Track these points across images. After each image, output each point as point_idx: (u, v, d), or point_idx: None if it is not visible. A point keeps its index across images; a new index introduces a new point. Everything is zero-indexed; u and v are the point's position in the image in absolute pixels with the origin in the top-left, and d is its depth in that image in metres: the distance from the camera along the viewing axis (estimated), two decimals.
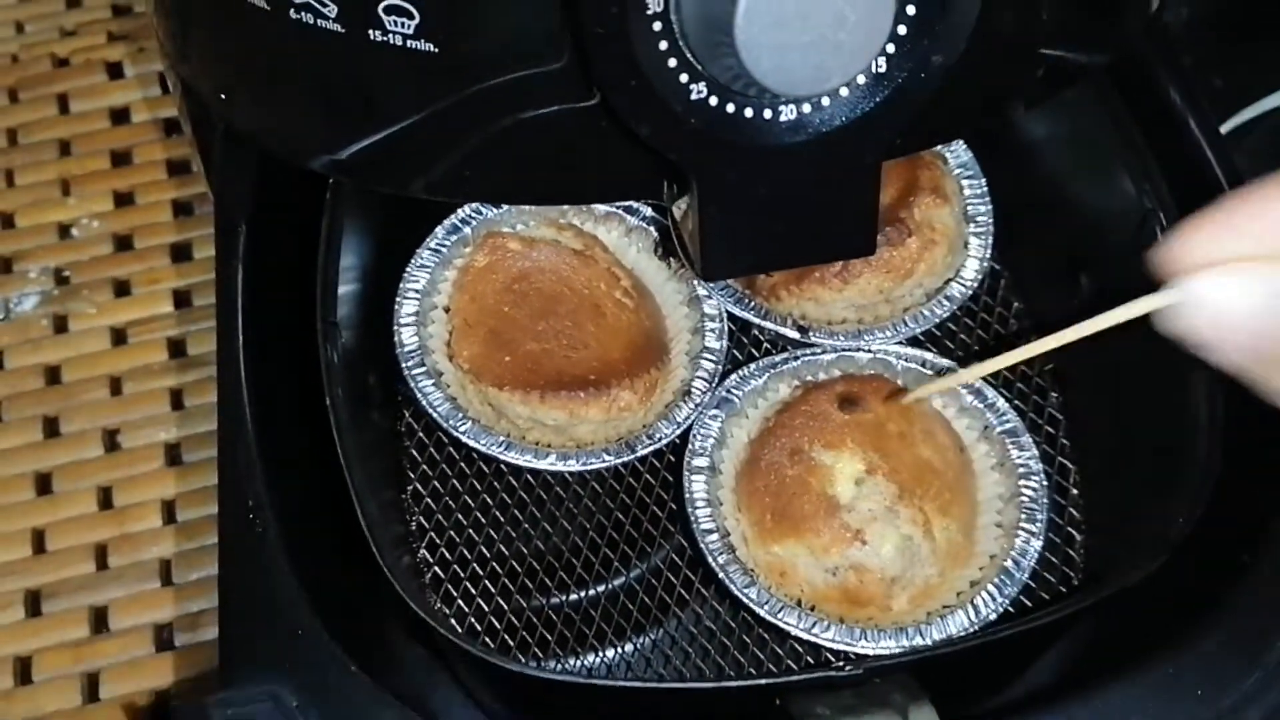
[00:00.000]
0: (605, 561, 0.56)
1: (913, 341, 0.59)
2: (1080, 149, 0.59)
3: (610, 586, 0.55)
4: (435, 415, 0.55)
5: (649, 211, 0.61)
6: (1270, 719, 0.45)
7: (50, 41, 0.79)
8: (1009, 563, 0.52)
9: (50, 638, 0.59)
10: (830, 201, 0.46)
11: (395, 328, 0.56)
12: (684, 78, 0.41)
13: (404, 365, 0.56)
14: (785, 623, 0.51)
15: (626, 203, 0.60)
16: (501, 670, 0.46)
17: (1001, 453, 0.56)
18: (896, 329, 0.59)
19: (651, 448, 0.55)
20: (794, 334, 0.59)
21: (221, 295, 0.53)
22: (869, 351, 0.58)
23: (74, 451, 0.64)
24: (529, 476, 0.57)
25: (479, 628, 0.54)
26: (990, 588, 0.52)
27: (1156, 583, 0.47)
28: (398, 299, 0.57)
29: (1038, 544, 0.53)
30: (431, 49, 0.42)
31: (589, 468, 0.55)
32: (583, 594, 0.55)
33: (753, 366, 0.58)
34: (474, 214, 0.59)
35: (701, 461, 0.55)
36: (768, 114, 0.42)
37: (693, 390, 0.57)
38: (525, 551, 0.56)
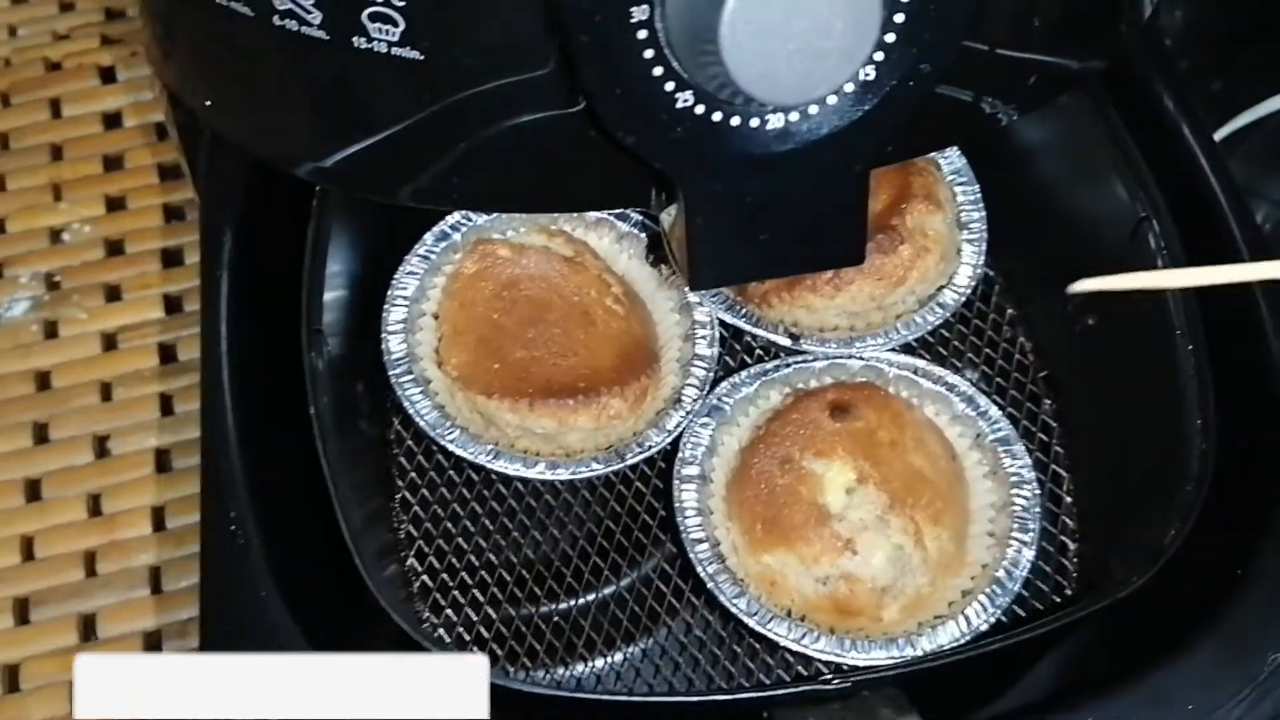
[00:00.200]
0: (595, 570, 0.55)
1: (905, 349, 0.59)
2: (1074, 155, 0.59)
3: (600, 596, 0.55)
4: (423, 424, 0.54)
5: (640, 217, 0.60)
6: None
7: (42, 46, 0.79)
8: (1001, 572, 0.52)
9: (39, 645, 0.59)
10: (819, 211, 0.45)
11: (383, 335, 0.56)
12: (669, 86, 0.40)
13: (392, 373, 0.55)
14: (774, 633, 0.50)
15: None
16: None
17: (994, 461, 0.55)
18: (889, 336, 0.58)
19: (642, 456, 0.55)
20: (785, 341, 0.58)
21: (206, 302, 0.53)
22: (861, 359, 0.57)
23: (64, 457, 0.64)
24: (518, 485, 0.57)
25: (467, 637, 0.54)
26: (982, 597, 0.52)
27: (1149, 593, 0.47)
28: (386, 306, 0.57)
29: (1030, 553, 0.53)
30: (417, 56, 0.42)
31: (578, 476, 0.55)
32: (572, 603, 0.55)
33: (744, 374, 0.57)
34: (464, 220, 0.59)
35: (692, 470, 0.54)
36: (754, 122, 0.42)
37: (683, 398, 0.56)
38: (514, 560, 0.56)
